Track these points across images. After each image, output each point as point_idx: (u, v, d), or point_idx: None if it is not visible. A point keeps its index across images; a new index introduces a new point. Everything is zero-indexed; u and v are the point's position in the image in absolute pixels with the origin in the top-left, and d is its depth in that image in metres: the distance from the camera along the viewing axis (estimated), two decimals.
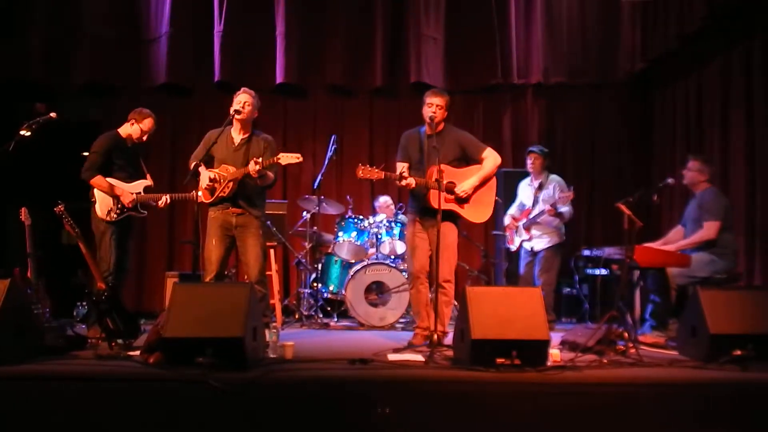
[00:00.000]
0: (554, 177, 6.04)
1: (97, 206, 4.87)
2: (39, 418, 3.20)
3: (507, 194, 6.47)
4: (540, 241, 5.94)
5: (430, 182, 4.44)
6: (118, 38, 7.10)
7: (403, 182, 4.48)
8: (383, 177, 4.49)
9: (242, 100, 4.65)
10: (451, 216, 4.61)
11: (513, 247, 6.16)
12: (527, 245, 6.00)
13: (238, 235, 4.66)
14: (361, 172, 4.45)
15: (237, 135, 4.72)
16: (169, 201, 5.00)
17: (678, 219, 5.46)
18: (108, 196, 4.87)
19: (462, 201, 4.63)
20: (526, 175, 6.30)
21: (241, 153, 4.65)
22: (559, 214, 5.81)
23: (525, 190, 6.19)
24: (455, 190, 4.59)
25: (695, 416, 3.27)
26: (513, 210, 6.21)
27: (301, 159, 4.58)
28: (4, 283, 3.63)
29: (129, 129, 5.03)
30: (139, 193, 4.97)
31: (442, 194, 4.29)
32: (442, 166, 4.32)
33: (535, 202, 5.96)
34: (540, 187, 6.00)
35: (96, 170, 4.86)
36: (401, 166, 4.66)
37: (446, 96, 4.68)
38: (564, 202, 5.76)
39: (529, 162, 6.13)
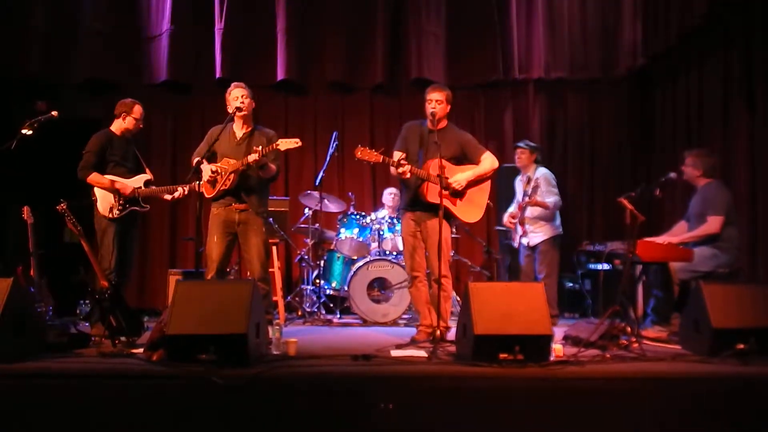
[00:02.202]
0: (541, 170, 6.04)
1: (98, 204, 4.88)
2: (42, 415, 3.21)
3: (509, 190, 6.46)
4: (535, 236, 5.94)
5: (430, 175, 4.43)
6: (119, 35, 7.11)
7: (400, 169, 4.44)
8: (381, 160, 4.43)
9: (238, 95, 4.63)
10: (444, 213, 4.58)
11: (515, 244, 6.16)
12: (524, 241, 6.00)
13: (241, 232, 4.65)
14: (359, 153, 4.41)
15: (239, 130, 4.71)
16: (186, 191, 4.93)
17: (680, 213, 5.46)
18: (108, 193, 4.88)
19: (455, 196, 4.61)
20: None
21: (243, 147, 4.63)
22: (541, 204, 5.80)
23: (518, 186, 6.21)
24: (449, 181, 4.56)
25: (698, 410, 3.27)
26: (511, 208, 6.22)
27: (300, 143, 4.54)
28: (6, 282, 3.63)
29: (123, 123, 5.02)
30: (140, 187, 4.97)
31: (436, 187, 4.27)
32: (442, 162, 4.31)
33: (524, 196, 5.96)
34: (528, 181, 6.01)
35: (91, 168, 4.86)
36: (398, 155, 4.65)
37: (447, 90, 4.66)
38: (535, 191, 5.74)
39: (516, 157, 6.14)
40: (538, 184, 5.77)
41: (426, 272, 4.73)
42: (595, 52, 7.24)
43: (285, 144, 4.49)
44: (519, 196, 6.11)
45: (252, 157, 4.42)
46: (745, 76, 5.73)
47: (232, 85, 4.72)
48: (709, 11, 5.70)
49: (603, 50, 7.22)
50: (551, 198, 5.87)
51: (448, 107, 4.65)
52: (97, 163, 4.88)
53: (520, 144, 6.17)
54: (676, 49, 6.49)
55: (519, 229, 5.98)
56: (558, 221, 6.02)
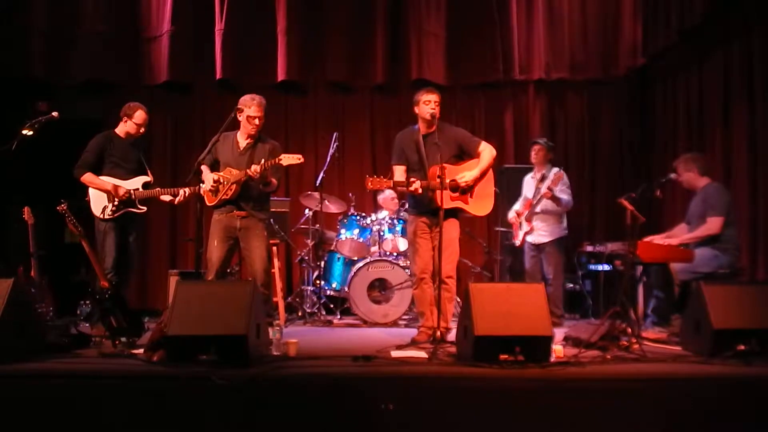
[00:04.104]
0: (556, 169, 6.05)
1: (91, 204, 4.89)
2: (43, 415, 3.20)
3: (509, 190, 6.46)
4: (542, 235, 5.94)
5: (434, 183, 4.44)
6: (119, 35, 7.10)
7: (411, 188, 4.47)
8: (392, 186, 4.54)
9: (256, 115, 4.59)
10: (453, 212, 4.62)
11: (517, 242, 6.14)
12: (530, 239, 6.00)
13: (242, 237, 4.66)
14: (370, 183, 4.45)
15: (243, 140, 4.72)
16: (188, 194, 4.92)
17: (680, 214, 5.45)
18: (101, 194, 4.89)
19: (465, 193, 4.64)
20: (528, 170, 6.29)
21: (246, 157, 4.64)
22: (556, 199, 5.81)
23: (528, 183, 6.21)
24: (456, 179, 4.59)
25: (698, 411, 3.27)
26: (517, 205, 6.21)
27: (302, 159, 4.57)
28: (7, 282, 3.64)
29: (124, 127, 5.04)
30: (137, 189, 4.97)
31: (445, 192, 4.31)
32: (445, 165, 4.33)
33: (536, 193, 5.96)
34: (542, 179, 6.02)
35: (86, 168, 4.87)
36: (400, 170, 4.69)
37: (439, 93, 4.73)
38: (555, 183, 5.77)
39: (532, 153, 6.15)
40: (561, 176, 5.80)
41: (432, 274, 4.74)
42: (595, 52, 7.24)
43: (287, 159, 4.52)
44: (529, 193, 6.11)
45: (254, 169, 4.45)
46: (745, 75, 5.73)
47: (255, 101, 4.61)
48: (709, 10, 5.69)
49: (603, 50, 7.22)
50: (564, 196, 5.90)
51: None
52: (93, 163, 4.89)
53: (539, 141, 6.18)
54: (676, 48, 6.49)
55: (525, 225, 5.99)
56: (564, 223, 6.03)
